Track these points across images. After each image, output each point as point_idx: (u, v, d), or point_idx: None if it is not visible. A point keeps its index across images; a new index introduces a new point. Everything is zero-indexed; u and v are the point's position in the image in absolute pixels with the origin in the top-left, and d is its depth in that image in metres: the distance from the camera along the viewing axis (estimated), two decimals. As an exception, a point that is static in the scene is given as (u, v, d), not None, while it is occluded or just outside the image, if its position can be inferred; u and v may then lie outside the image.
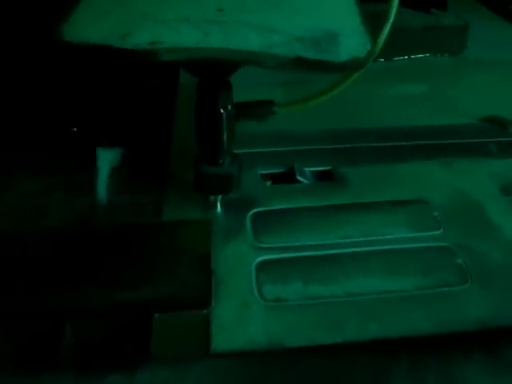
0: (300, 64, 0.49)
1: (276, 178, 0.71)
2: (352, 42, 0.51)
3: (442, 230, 0.62)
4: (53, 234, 0.61)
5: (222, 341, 0.51)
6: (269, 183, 0.70)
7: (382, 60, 0.97)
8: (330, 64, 0.49)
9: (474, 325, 0.52)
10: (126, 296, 0.54)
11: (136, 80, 0.80)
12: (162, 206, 0.64)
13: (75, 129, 0.76)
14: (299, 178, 0.70)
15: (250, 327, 0.52)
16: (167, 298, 0.54)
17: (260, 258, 0.59)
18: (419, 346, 0.50)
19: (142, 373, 0.48)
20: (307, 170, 0.71)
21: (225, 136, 0.61)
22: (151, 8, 0.53)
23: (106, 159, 0.66)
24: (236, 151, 0.64)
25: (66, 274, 0.56)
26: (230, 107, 0.60)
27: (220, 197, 0.65)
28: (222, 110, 0.59)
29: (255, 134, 0.74)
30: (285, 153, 0.74)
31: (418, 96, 0.92)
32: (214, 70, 0.57)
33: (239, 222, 0.63)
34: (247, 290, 0.55)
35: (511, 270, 0.58)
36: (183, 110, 0.79)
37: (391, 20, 0.63)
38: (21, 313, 0.53)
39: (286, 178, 0.71)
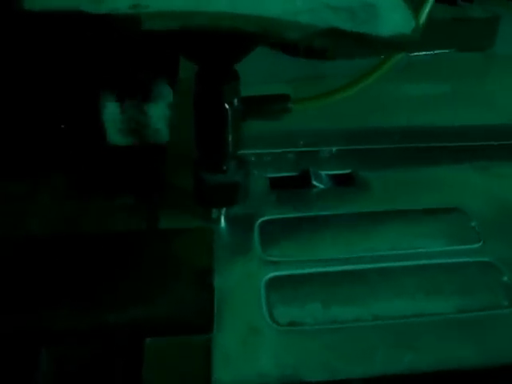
0: (334, 36, 0.41)
1: (288, 183, 0.63)
2: (394, 17, 0.43)
3: (481, 242, 0.55)
4: (34, 242, 0.53)
5: (225, 373, 0.43)
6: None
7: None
8: (371, 38, 0.42)
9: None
10: (113, 317, 0.46)
11: (129, 72, 0.73)
12: (157, 211, 0.56)
13: (63, 126, 0.68)
14: (315, 182, 0.62)
15: (259, 357, 0.44)
16: (161, 319, 0.47)
17: (271, 274, 0.51)
18: (465, 382, 0.42)
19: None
20: (323, 173, 0.63)
21: (230, 137, 0.51)
22: None
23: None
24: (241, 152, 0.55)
25: (45, 288, 0.49)
26: (236, 102, 0.50)
27: (224, 209, 0.56)
28: (227, 106, 0.50)
29: (263, 132, 0.66)
30: (297, 154, 0.66)
31: (446, 94, 0.84)
32: (217, 52, 0.48)
33: (246, 232, 0.56)
34: (256, 312, 0.47)
35: None
36: (182, 107, 0.70)
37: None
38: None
39: (300, 182, 0.63)
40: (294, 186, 0.62)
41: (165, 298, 0.48)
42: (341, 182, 0.63)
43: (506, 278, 0.51)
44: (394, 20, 0.43)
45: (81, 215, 0.56)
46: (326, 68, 0.77)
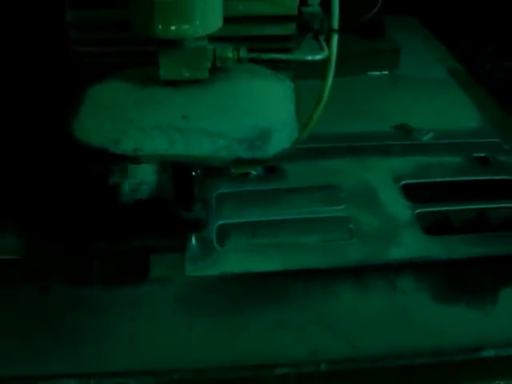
0: (238, 162, 0.69)
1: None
2: (281, 135, 0.69)
3: (343, 205, 0.99)
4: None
5: (192, 269, 0.87)
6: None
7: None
8: (260, 160, 0.70)
9: (352, 263, 0.89)
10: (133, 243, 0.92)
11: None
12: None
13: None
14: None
15: (209, 264, 0.89)
16: (158, 246, 0.91)
17: (220, 222, 0.96)
18: (312, 275, 0.87)
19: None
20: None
21: (196, 190, 0.82)
22: (135, 114, 0.70)
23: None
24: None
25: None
26: (199, 171, 0.80)
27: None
28: (193, 173, 0.80)
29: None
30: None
31: (351, 107, 1.26)
32: (181, 167, 0.80)
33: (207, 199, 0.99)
34: (209, 240, 0.92)
35: (383, 232, 0.94)
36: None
37: (324, 100, 0.79)
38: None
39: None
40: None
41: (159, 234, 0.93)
42: (268, 170, 1.08)
43: (351, 225, 0.95)
44: (279, 139, 0.68)
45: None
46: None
